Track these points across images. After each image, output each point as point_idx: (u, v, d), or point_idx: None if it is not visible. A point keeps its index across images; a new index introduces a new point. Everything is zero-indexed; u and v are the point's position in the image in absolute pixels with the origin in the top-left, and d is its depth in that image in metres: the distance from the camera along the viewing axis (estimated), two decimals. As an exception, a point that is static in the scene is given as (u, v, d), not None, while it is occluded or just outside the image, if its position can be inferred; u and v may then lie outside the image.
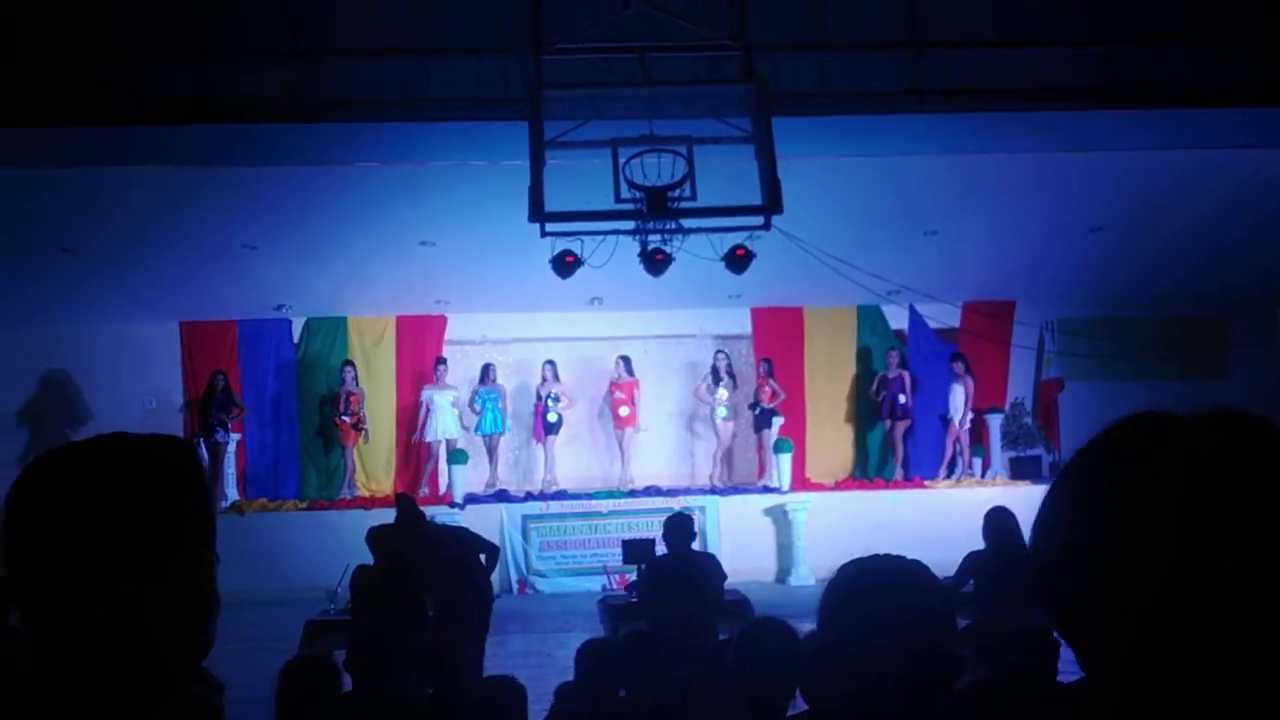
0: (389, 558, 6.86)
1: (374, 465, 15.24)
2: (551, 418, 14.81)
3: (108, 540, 1.18)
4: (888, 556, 1.76)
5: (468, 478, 14.14)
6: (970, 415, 14.92)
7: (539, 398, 14.99)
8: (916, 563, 1.76)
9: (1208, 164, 11.69)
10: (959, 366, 14.89)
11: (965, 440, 15.00)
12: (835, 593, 1.72)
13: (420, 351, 15.58)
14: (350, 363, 14.97)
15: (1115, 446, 0.96)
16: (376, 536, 7.10)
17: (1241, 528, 0.89)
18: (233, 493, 14.22)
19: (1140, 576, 0.90)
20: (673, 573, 6.71)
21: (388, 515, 8.89)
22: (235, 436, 14.49)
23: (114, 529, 1.19)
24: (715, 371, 15.05)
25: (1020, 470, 15.21)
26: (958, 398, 14.83)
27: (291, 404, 15.19)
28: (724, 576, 6.94)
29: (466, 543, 7.62)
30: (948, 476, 14.84)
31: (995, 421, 15.41)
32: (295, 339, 15.37)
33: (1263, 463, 0.91)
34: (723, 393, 14.88)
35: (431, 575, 7.02)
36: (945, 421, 15.01)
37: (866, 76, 11.42)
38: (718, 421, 14.94)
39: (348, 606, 7.60)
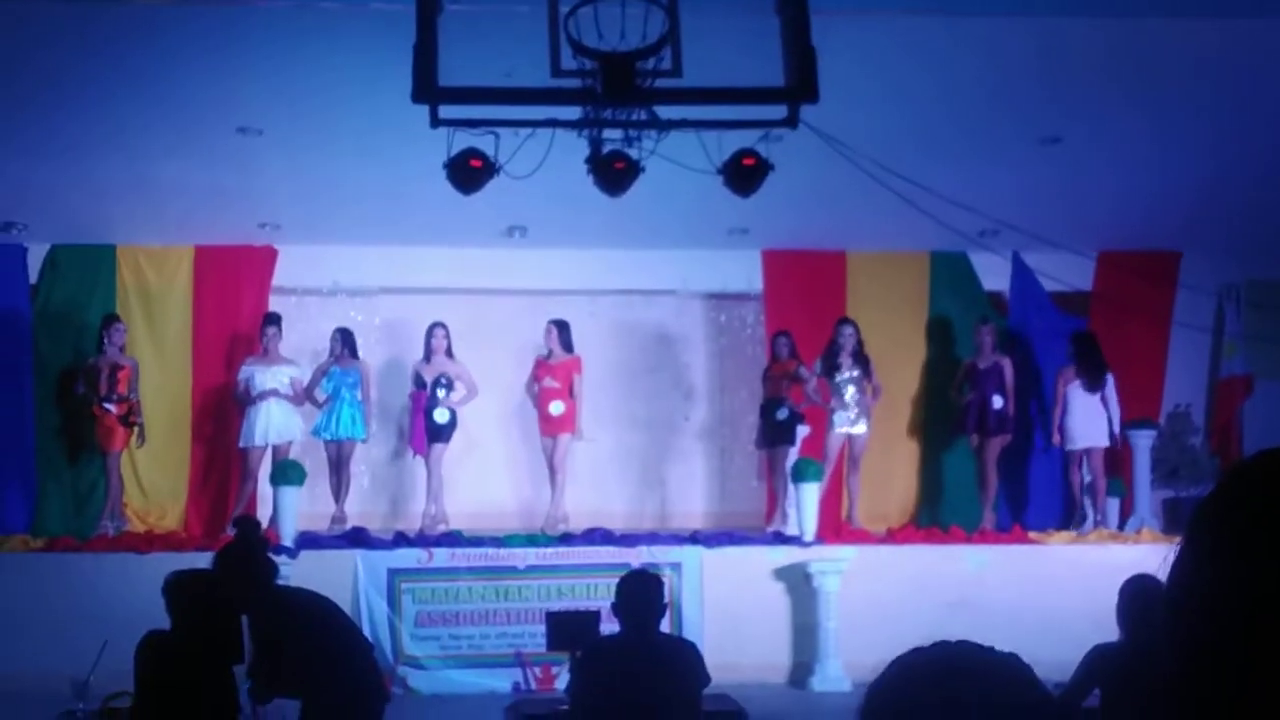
0: (206, 620, 6.80)
1: (155, 483, 15.22)
2: (440, 416, 14.80)
3: None
4: (964, 647, 1.79)
5: (302, 507, 14.12)
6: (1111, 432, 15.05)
7: (420, 383, 14.99)
8: (1012, 658, 1.79)
9: None
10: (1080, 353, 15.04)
11: (1100, 471, 15.13)
12: (882, 707, 1.75)
13: (234, 302, 15.54)
14: (117, 318, 14.89)
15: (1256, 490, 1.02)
16: (184, 584, 7.03)
17: None
18: (-75, 522, 14.16)
19: None
20: (626, 667, 6.75)
21: (177, 563, 8.86)
22: (-69, 432, 14.42)
23: None
24: (834, 349, 15.00)
25: (1180, 520, 15.30)
26: (1086, 408, 14.99)
27: (23, 382, 15.11)
28: (706, 678, 6.99)
29: (339, 621, 7.61)
30: (1069, 527, 14.98)
31: (1144, 442, 15.52)
32: (32, 278, 15.29)
33: None
34: (849, 387, 14.88)
35: (287, 658, 6.99)
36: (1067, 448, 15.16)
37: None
38: (835, 433, 14.95)
39: (107, 709, 7.57)
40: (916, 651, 1.78)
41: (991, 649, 1.79)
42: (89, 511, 14.80)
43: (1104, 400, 14.96)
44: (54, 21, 10.92)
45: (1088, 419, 15.00)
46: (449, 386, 14.82)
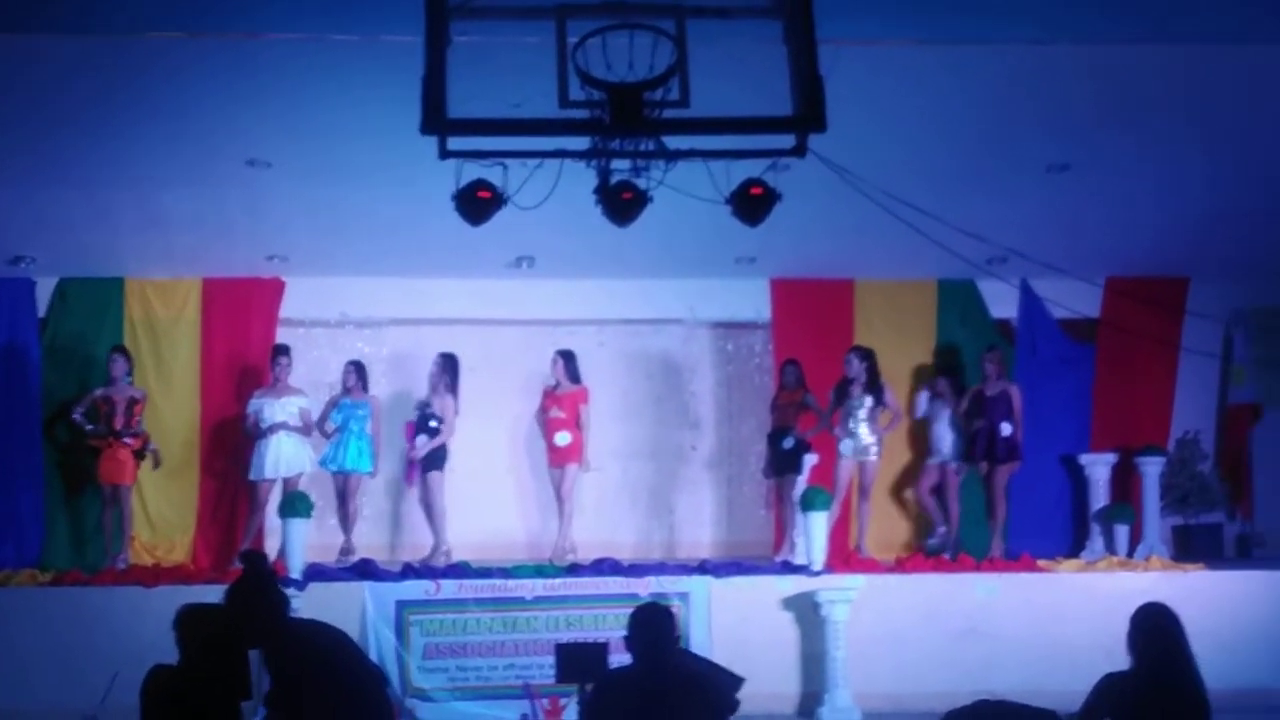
0: (218, 655, 6.79)
1: (163, 516, 15.25)
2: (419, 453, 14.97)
3: None
4: (1003, 705, 1.83)
5: (310, 539, 14.12)
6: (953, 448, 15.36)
7: (422, 416, 15.08)
8: (1049, 715, 1.83)
9: None
10: (939, 383, 15.51)
11: (954, 492, 15.41)
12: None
13: (242, 334, 15.60)
14: (124, 351, 14.91)
15: None
16: (195, 619, 7.01)
17: None
18: (-66, 556, 14.16)
19: None
20: (641, 698, 6.74)
21: (184, 596, 8.88)
22: (-60, 466, 14.44)
23: None
24: (845, 378, 14.98)
25: (1189, 547, 15.31)
26: (941, 426, 15.44)
27: (32, 414, 15.09)
28: (731, 705, 6.97)
29: (352, 652, 7.59)
30: (1078, 554, 15.00)
31: (1152, 469, 15.52)
32: (41, 311, 15.32)
33: None
34: (859, 413, 14.91)
35: (305, 690, 6.98)
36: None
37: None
38: (844, 461, 15.01)
39: (114, 743, 7.56)
40: (957, 712, 1.82)
41: (1028, 706, 1.83)
42: (96, 545, 14.78)
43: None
44: (69, 57, 10.97)
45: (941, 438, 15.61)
46: (431, 428, 14.91)
